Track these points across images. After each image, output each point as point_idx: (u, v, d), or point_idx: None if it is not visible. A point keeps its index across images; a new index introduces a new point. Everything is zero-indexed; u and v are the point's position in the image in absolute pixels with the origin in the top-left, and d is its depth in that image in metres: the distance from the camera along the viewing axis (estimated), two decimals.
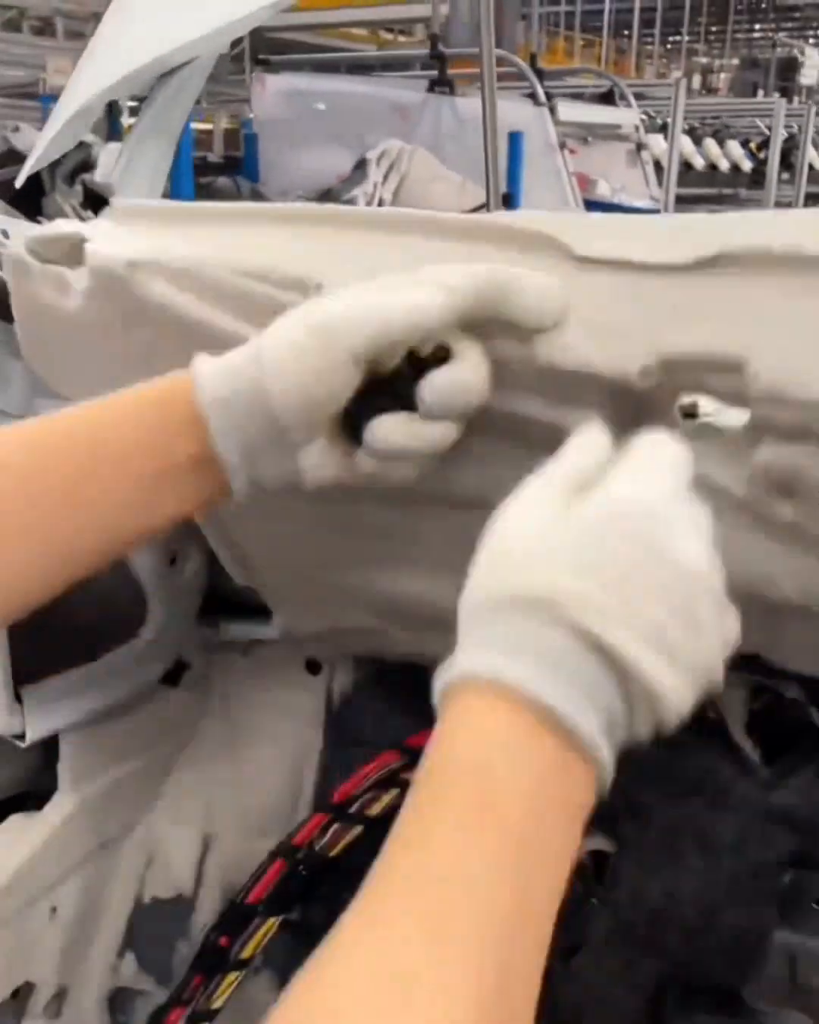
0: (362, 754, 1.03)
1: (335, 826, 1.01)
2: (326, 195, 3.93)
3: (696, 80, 18.31)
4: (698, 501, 0.53)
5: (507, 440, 0.72)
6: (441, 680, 0.49)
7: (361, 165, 3.86)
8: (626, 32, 18.89)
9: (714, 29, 21.21)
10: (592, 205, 4.58)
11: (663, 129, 5.32)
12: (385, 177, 3.83)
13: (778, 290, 0.63)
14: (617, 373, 0.65)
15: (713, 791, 0.94)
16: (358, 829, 1.01)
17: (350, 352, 0.59)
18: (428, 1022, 0.39)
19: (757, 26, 22.42)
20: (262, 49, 6.02)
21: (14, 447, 0.61)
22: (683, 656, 0.49)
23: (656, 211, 4.81)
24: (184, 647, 1.10)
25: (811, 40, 22.11)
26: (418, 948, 0.41)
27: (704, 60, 20.94)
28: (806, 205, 6.91)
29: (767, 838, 0.92)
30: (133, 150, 1.00)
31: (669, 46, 21.31)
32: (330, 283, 0.75)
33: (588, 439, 0.57)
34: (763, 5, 20.62)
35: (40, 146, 0.98)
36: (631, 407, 0.68)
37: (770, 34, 21.48)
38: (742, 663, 0.75)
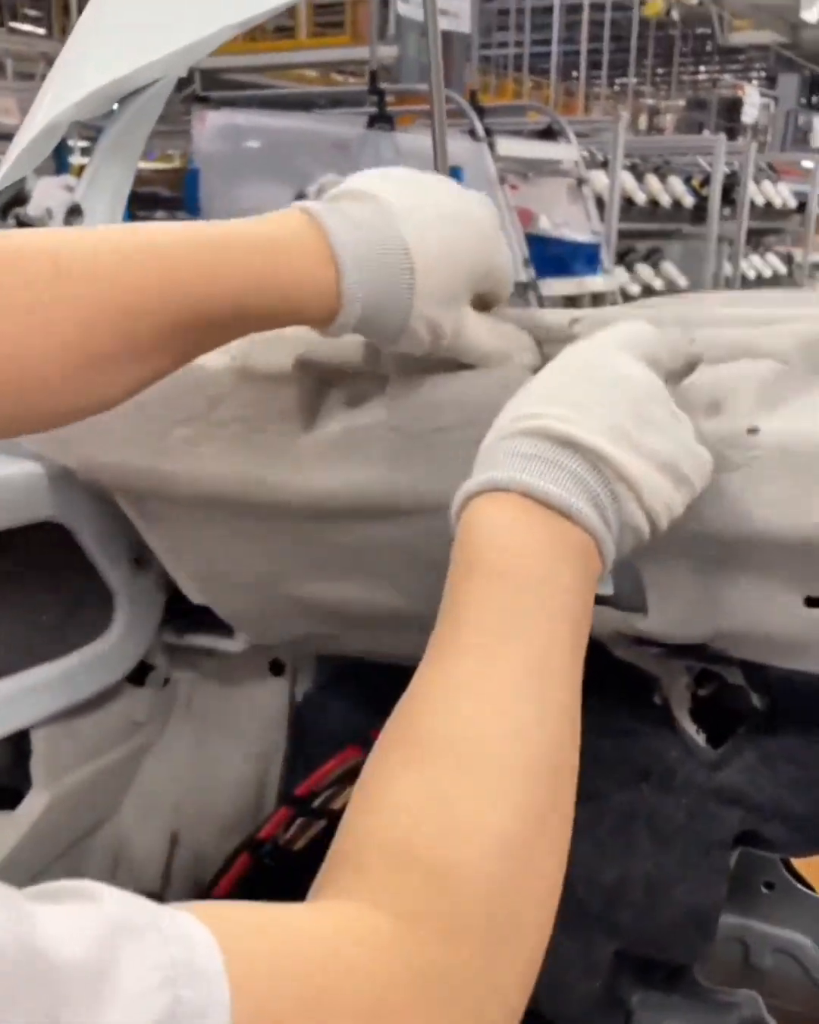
0: (326, 750, 1.06)
1: (299, 820, 1.02)
2: None
3: (643, 120, 18.61)
4: (644, 344, 0.67)
5: (452, 439, 0.77)
6: (456, 502, 0.61)
7: (300, 200, 3.83)
8: (575, 74, 19.16)
9: (660, 71, 21.59)
10: (533, 239, 4.59)
11: (605, 165, 5.35)
12: None
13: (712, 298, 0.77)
14: (555, 326, 0.76)
15: (662, 774, 0.96)
16: (322, 823, 1.02)
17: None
18: (518, 735, 0.51)
19: (702, 68, 22.83)
20: (213, 89, 6.02)
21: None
22: (644, 447, 0.61)
23: (597, 245, 4.83)
24: (149, 648, 1.11)
25: (755, 80, 22.57)
26: (483, 677, 0.53)
27: (651, 101, 21.29)
28: (748, 239, 6.99)
29: (714, 817, 0.94)
30: (95, 172, 1.01)
31: (617, 87, 21.66)
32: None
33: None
34: (707, 48, 21.03)
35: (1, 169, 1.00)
36: None
37: (715, 75, 21.91)
38: (687, 651, 0.85)
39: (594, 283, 4.81)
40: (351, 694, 1.13)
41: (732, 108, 15.58)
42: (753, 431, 0.70)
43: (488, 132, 4.54)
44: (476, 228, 0.74)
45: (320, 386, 0.85)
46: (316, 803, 1.03)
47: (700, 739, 0.96)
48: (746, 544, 0.74)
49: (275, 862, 1.03)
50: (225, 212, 4.63)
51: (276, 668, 1.16)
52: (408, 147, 4.41)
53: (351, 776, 1.02)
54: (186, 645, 1.12)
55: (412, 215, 0.70)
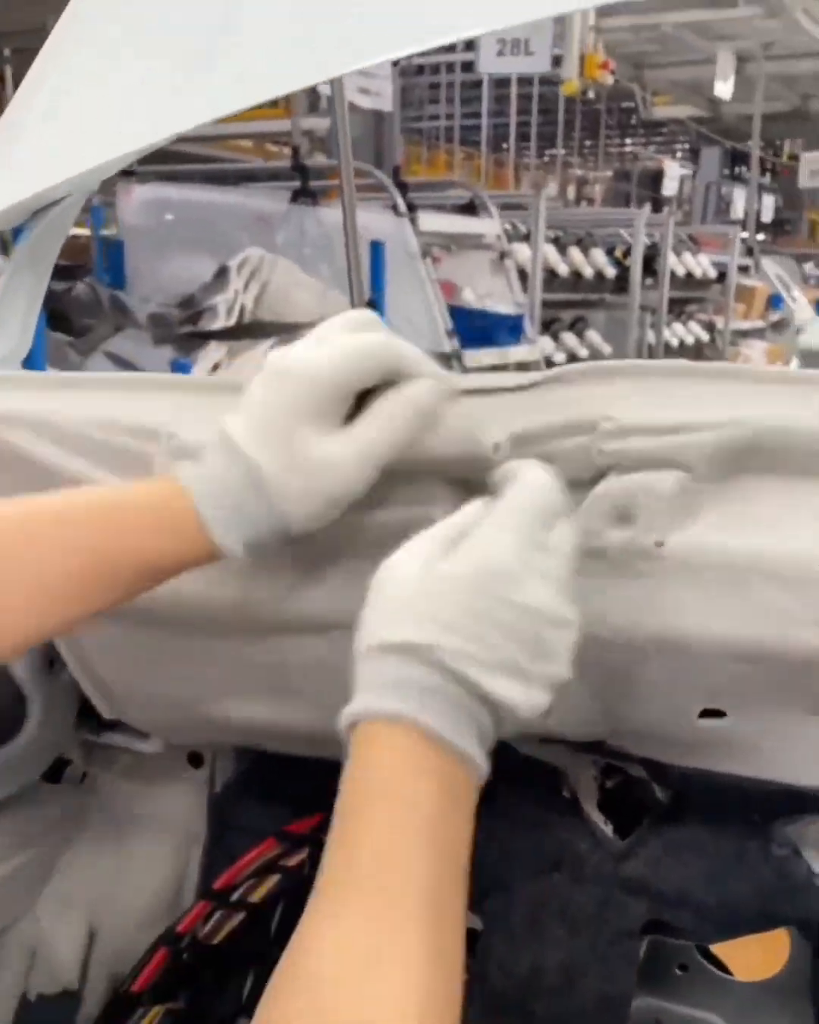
0: (244, 842, 1.07)
1: (218, 913, 1.03)
2: (188, 302, 3.92)
3: (571, 190, 19.07)
4: (553, 542, 0.66)
5: (364, 556, 0.78)
6: (345, 716, 0.61)
7: (222, 273, 3.88)
8: (504, 145, 19.62)
9: (588, 143, 22.20)
10: (457, 311, 4.65)
11: (528, 238, 5.46)
12: (246, 285, 3.84)
13: (623, 384, 0.78)
14: (472, 452, 0.75)
15: (571, 865, 0.99)
16: (241, 915, 1.03)
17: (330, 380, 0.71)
18: (401, 984, 0.52)
19: (628, 140, 23.53)
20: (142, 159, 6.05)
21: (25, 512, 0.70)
22: (535, 676, 0.62)
23: (520, 316, 4.91)
24: (65, 745, 1.12)
25: (678, 153, 23.28)
26: (376, 928, 0.53)
27: (579, 172, 21.85)
28: (671, 308, 7.15)
29: (623, 907, 0.97)
30: (9, 283, 1.02)
31: (546, 158, 22.21)
32: (184, 433, 0.83)
33: (470, 504, 0.68)
34: (632, 121, 21.69)
35: None
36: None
37: (639, 148, 22.60)
38: (589, 747, 0.87)
39: (517, 353, 4.87)
40: (271, 785, 1.13)
41: (656, 179, 16.06)
42: (659, 544, 0.73)
43: (411, 207, 4.62)
44: (300, 389, 0.71)
45: None
46: (235, 896, 1.03)
47: (608, 830, 0.98)
48: (646, 651, 0.76)
49: (193, 956, 1.03)
50: (150, 284, 4.65)
51: (195, 760, 1.16)
52: (331, 221, 4.47)
53: (270, 868, 1.04)
54: (102, 743, 1.12)
55: (267, 434, 0.71)
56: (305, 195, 4.42)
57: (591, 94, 9.20)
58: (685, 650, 0.74)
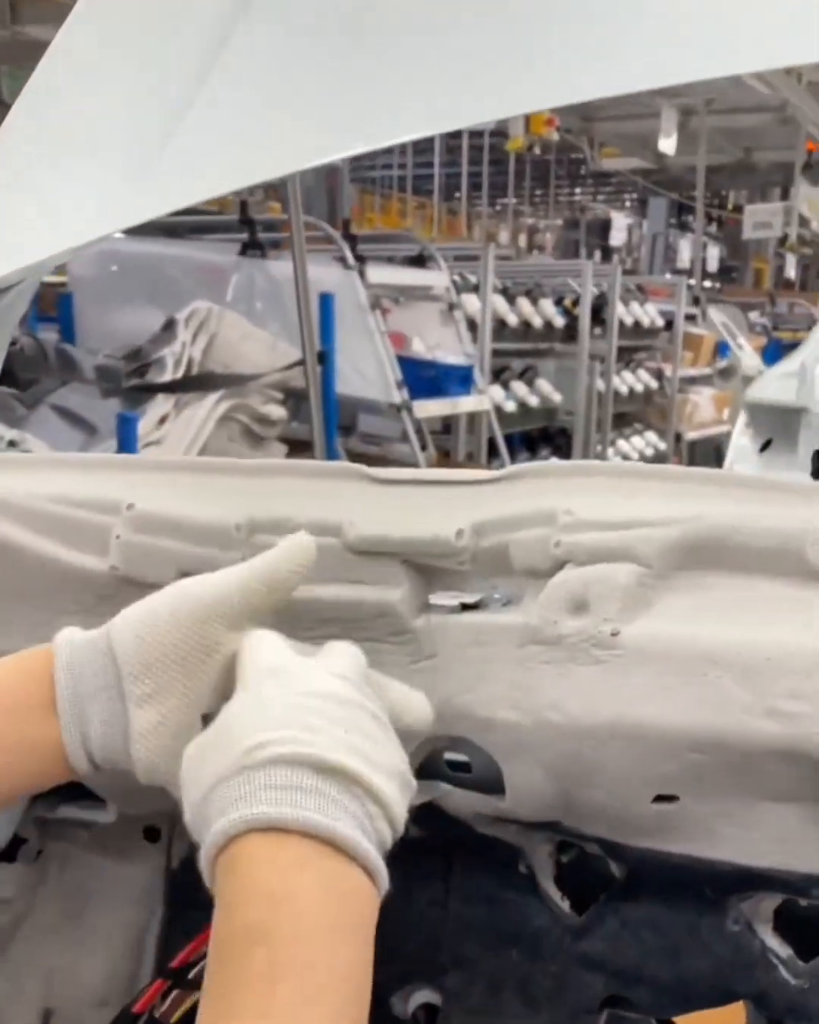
0: (202, 918, 1.04)
1: (175, 992, 1.01)
2: (135, 354, 3.90)
3: (523, 239, 19.34)
4: (317, 658, 0.67)
5: (323, 633, 0.80)
6: (207, 851, 0.57)
7: (170, 325, 3.87)
8: (457, 195, 19.89)
9: (539, 192, 22.55)
10: (407, 362, 4.67)
11: (477, 289, 5.52)
12: (194, 337, 3.83)
13: (580, 482, 0.82)
14: (436, 537, 0.79)
15: (530, 941, 0.99)
16: (197, 995, 0.97)
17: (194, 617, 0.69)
18: None
19: (578, 190, 23.94)
20: None
21: None
22: (380, 762, 0.60)
23: (469, 367, 4.94)
24: (20, 823, 1.10)
25: (627, 203, 23.71)
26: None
27: (531, 221, 22.17)
28: (619, 356, 7.24)
29: (581, 983, 0.97)
30: None
31: (498, 208, 22.53)
32: (142, 503, 0.86)
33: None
34: (582, 172, 22.08)
35: None
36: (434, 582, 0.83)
37: (590, 198, 22.99)
38: (544, 826, 0.89)
39: (467, 403, 4.90)
40: None
41: (605, 229, 16.33)
42: (615, 633, 0.75)
43: (360, 259, 4.65)
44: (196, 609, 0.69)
45: None
46: (192, 974, 1.01)
47: (565, 906, 0.98)
48: (601, 738, 0.77)
49: None
50: (99, 336, 4.63)
51: (151, 835, 1.14)
52: (280, 274, 4.49)
53: None
54: (57, 817, 1.10)
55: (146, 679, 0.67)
56: (253, 248, 4.44)
57: (537, 149, 9.34)
58: (640, 738, 0.76)
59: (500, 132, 15.88)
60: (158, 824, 1.14)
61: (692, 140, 13.25)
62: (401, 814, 0.61)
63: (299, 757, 0.57)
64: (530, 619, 0.79)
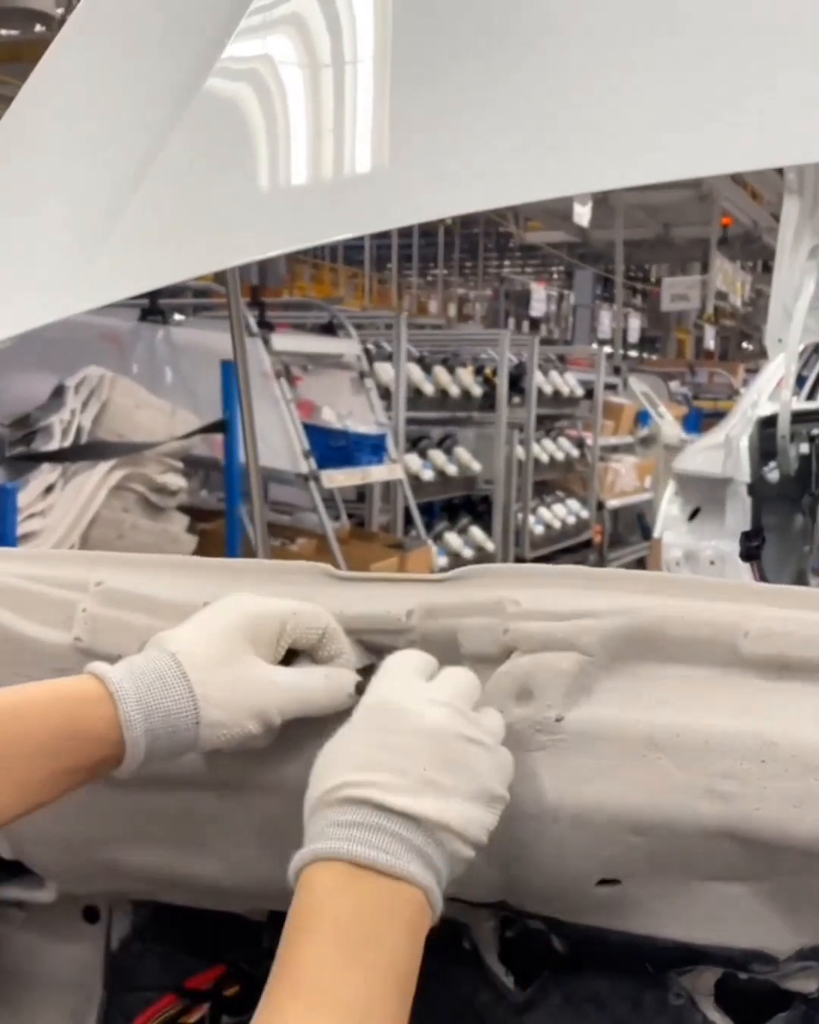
0: (143, 1000, 1.05)
1: None
2: (22, 421, 3.66)
3: (452, 308, 19.49)
4: (437, 680, 0.75)
5: None
6: (291, 870, 0.67)
7: (59, 392, 3.65)
8: (388, 266, 20.03)
9: (468, 264, 22.83)
10: (317, 431, 4.49)
11: (391, 357, 5.38)
12: (84, 404, 3.61)
13: (525, 580, 0.88)
14: (386, 614, 0.84)
15: (474, 1018, 1.00)
16: None
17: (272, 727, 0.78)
18: None
19: (506, 262, 24.29)
20: None
21: None
22: (458, 789, 0.69)
23: (382, 435, 4.77)
24: None
25: (555, 276, 24.09)
26: None
27: (461, 291, 22.40)
28: (540, 424, 7.14)
29: None
30: None
31: (430, 278, 22.75)
32: (109, 580, 0.90)
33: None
34: (509, 245, 22.41)
35: None
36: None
37: (517, 270, 23.30)
38: (486, 904, 0.91)
39: (378, 472, 4.72)
40: (169, 940, 1.12)
41: (530, 299, 16.47)
42: (559, 719, 0.78)
43: (268, 326, 4.48)
44: (252, 614, 0.79)
45: None
46: None
47: (509, 981, 0.99)
48: (543, 821, 0.79)
49: None
50: None
51: (90, 915, 1.13)
52: (181, 340, 4.30)
53: None
54: None
55: (190, 644, 0.77)
56: (154, 314, 4.25)
57: (449, 221, 9.32)
58: (583, 821, 0.79)
59: None
60: (97, 905, 1.13)
61: (612, 215, 13.44)
62: (477, 829, 0.69)
63: (367, 799, 0.66)
64: None
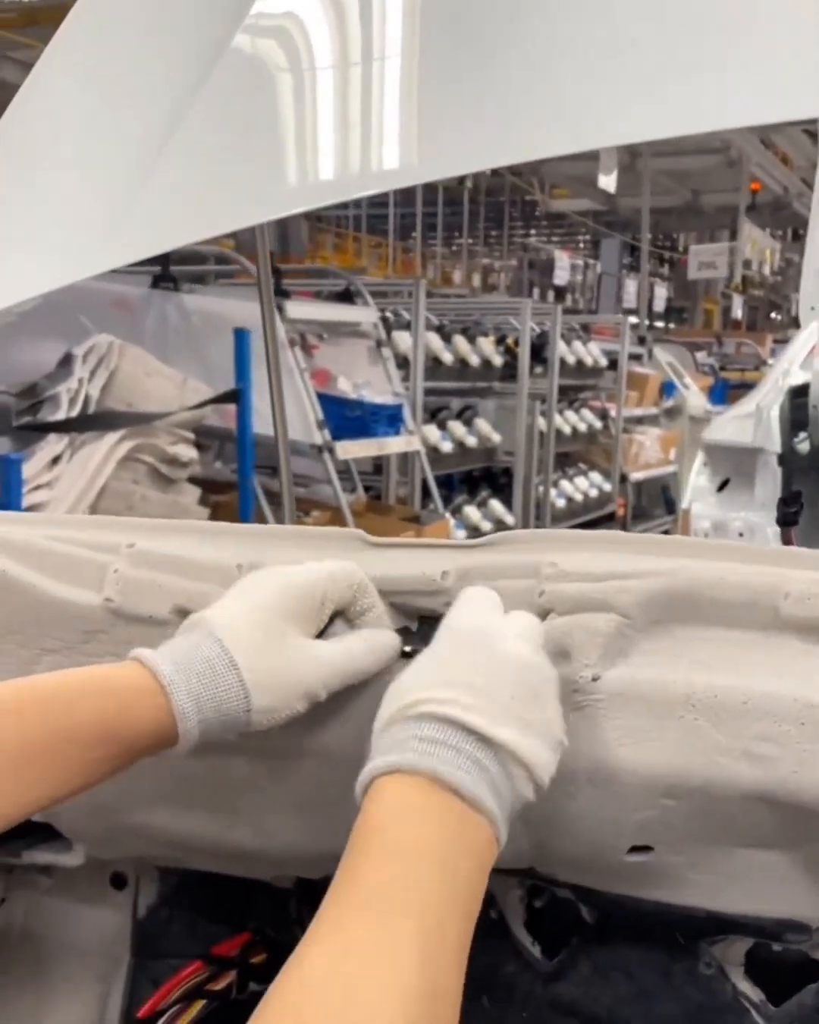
0: (170, 966, 1.05)
1: None
2: (29, 391, 3.58)
3: (477, 279, 19.28)
4: (512, 615, 0.76)
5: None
6: (360, 782, 0.64)
7: (67, 361, 3.57)
8: (413, 235, 19.81)
9: (494, 233, 22.57)
10: (331, 401, 4.39)
11: (410, 326, 5.26)
12: (92, 373, 3.52)
13: (562, 544, 0.86)
14: (422, 576, 0.83)
15: (501, 987, 0.99)
16: None
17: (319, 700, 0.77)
18: (389, 994, 0.53)
19: (532, 231, 23.99)
20: None
21: None
22: (534, 725, 0.67)
23: (398, 406, 4.67)
24: None
25: (581, 245, 23.80)
26: (373, 941, 0.55)
27: (486, 261, 22.15)
28: (563, 396, 7.02)
29: None
30: None
31: (455, 248, 22.51)
32: (142, 543, 0.89)
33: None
34: (535, 214, 22.13)
35: None
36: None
37: (547, 239, 23.00)
38: (515, 871, 0.89)
39: (395, 443, 4.62)
40: (196, 907, 1.12)
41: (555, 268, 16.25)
42: (595, 679, 0.77)
43: (284, 293, 4.38)
44: (293, 586, 0.78)
45: None
46: (160, 1023, 1.00)
47: (536, 951, 0.97)
48: (578, 783, 0.78)
49: None
50: (1, 371, 4.32)
51: (117, 882, 1.13)
52: (194, 307, 4.21)
53: (196, 992, 1.02)
54: (24, 863, 1.09)
55: (235, 628, 0.75)
56: (166, 280, 4.15)
57: (469, 184, 9.10)
58: (616, 782, 0.78)
59: None
60: (125, 871, 1.13)
61: (639, 182, 13.19)
62: (546, 772, 0.67)
63: (448, 717, 0.64)
64: None
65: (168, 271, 4.16)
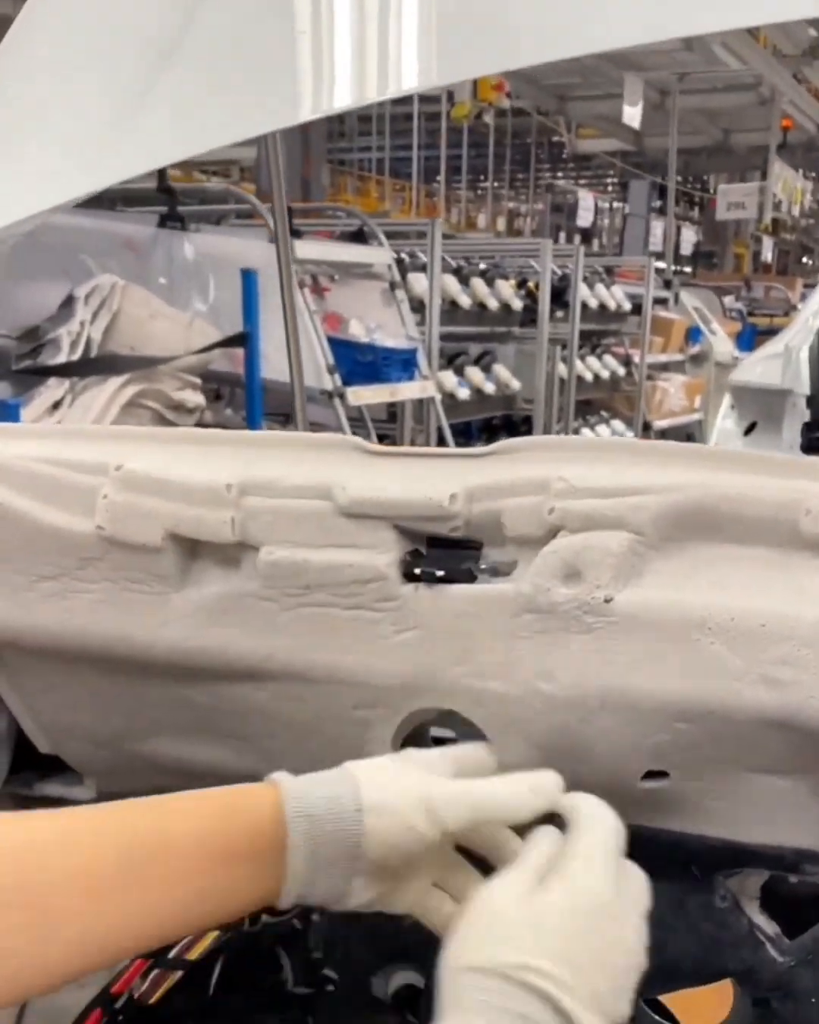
0: None
1: (155, 972, 1.00)
2: (31, 334, 3.50)
3: (501, 223, 18.95)
4: (632, 875, 0.70)
5: (305, 602, 0.84)
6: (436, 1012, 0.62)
7: (68, 302, 3.47)
8: (437, 178, 19.47)
9: (520, 176, 22.16)
10: (343, 345, 4.28)
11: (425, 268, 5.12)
12: (94, 315, 3.43)
13: (571, 454, 0.83)
14: (428, 500, 0.80)
15: None
16: (178, 973, 1.01)
17: (443, 829, 0.69)
18: None
19: (559, 173, 23.53)
20: None
21: (65, 833, 0.65)
22: (612, 1011, 0.64)
23: (413, 351, 4.55)
24: None
25: (609, 187, 23.32)
26: None
27: (511, 204, 21.76)
28: (585, 341, 6.86)
29: None
30: None
31: (480, 191, 22.12)
32: (129, 462, 0.87)
33: (543, 833, 0.70)
34: (563, 155, 21.67)
35: None
36: (428, 549, 0.83)
37: (575, 182, 22.52)
38: None
39: (409, 389, 4.51)
40: None
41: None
42: (608, 600, 0.76)
43: (297, 233, 4.25)
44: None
45: (191, 553, 0.89)
46: (172, 953, 1.01)
47: None
48: (591, 708, 0.77)
49: (128, 1017, 1.01)
50: (3, 312, 4.23)
51: None
52: (202, 247, 4.09)
53: None
54: (35, 795, 1.09)
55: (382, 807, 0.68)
56: (173, 220, 4.03)
57: (487, 118, 8.83)
58: (630, 708, 0.77)
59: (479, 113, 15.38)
60: None
61: (668, 120, 12.82)
62: None
63: (547, 995, 0.60)
64: (523, 588, 0.79)
65: (175, 210, 4.04)
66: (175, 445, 0.94)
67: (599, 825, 0.69)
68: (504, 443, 0.85)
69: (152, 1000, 1.00)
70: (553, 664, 0.78)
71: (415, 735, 0.88)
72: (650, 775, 0.81)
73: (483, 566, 0.83)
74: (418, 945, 0.99)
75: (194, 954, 1.01)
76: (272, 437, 0.95)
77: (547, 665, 0.78)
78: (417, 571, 0.82)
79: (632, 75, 10.05)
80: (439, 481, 0.82)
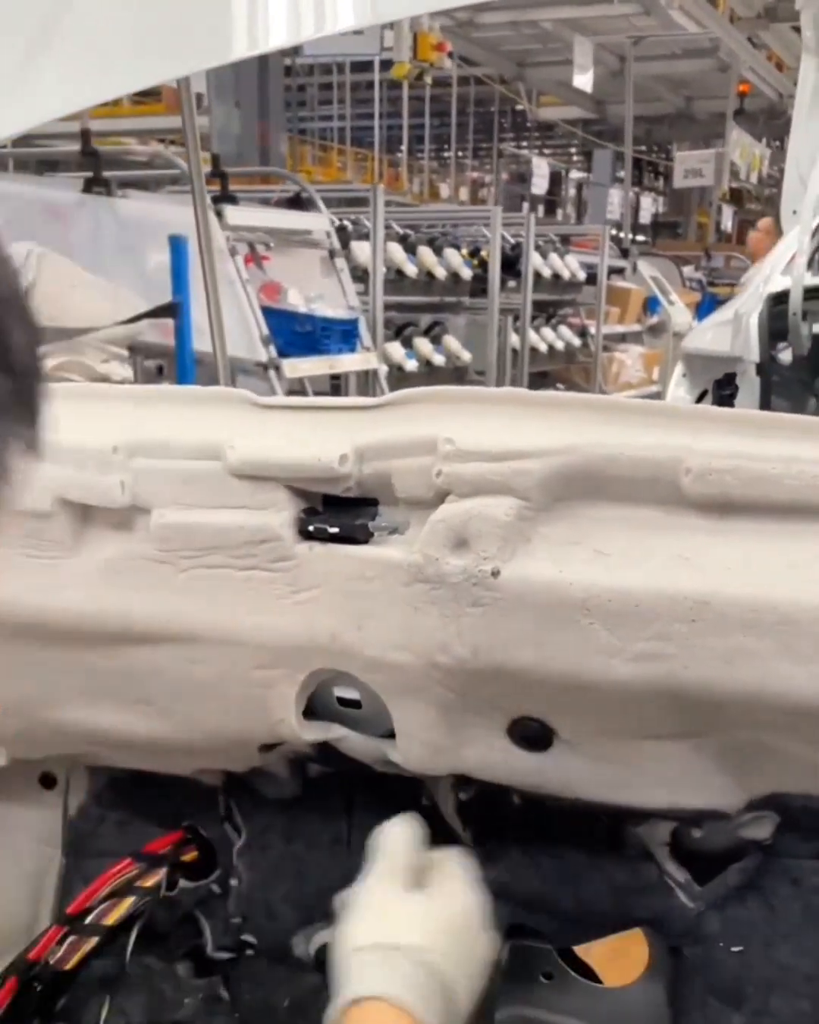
0: (101, 865, 1.05)
1: (71, 939, 1.00)
2: None
3: (464, 192, 18.74)
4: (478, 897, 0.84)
5: (202, 562, 0.84)
6: (336, 1008, 0.73)
7: None
8: (400, 148, 19.21)
9: (484, 145, 21.94)
10: (279, 315, 4.14)
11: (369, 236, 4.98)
12: None
13: (462, 408, 0.84)
14: (318, 461, 0.81)
15: None
16: (95, 939, 1.01)
17: None
18: None
19: (523, 143, 23.30)
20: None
21: None
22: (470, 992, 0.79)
23: (354, 322, 4.41)
24: None
25: (574, 157, 23.13)
26: None
27: (475, 174, 21.54)
28: (535, 313, 6.74)
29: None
30: None
31: (443, 161, 21.88)
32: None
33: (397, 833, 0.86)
34: (526, 124, 21.45)
35: None
36: (323, 511, 0.84)
37: (539, 151, 22.29)
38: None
39: (349, 361, 4.38)
40: (127, 806, 1.13)
41: (555, 182, 15.72)
42: (496, 573, 0.77)
43: (231, 199, 4.10)
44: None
45: (83, 517, 0.89)
46: (89, 919, 1.01)
47: (467, 837, 0.98)
48: (485, 676, 0.80)
49: (44, 983, 1.01)
50: None
51: (47, 781, 1.14)
52: (127, 213, 3.94)
53: (126, 889, 1.02)
54: None
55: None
56: (98, 185, 3.87)
57: (427, 78, 8.64)
58: (516, 679, 0.79)
59: (442, 81, 15.15)
60: (54, 771, 1.12)
61: (633, 89, 12.64)
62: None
63: (422, 959, 0.75)
64: (414, 557, 0.79)
65: (99, 175, 3.88)
66: (69, 401, 0.91)
67: (458, 865, 0.85)
68: (397, 394, 0.86)
69: (68, 965, 1.00)
70: (447, 638, 0.79)
71: (320, 694, 0.89)
72: (536, 745, 0.83)
73: (379, 525, 0.84)
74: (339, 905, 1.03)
75: (111, 919, 1.02)
76: (162, 391, 0.95)
77: (443, 638, 0.79)
78: (311, 529, 0.82)
79: (582, 38, 9.86)
80: (330, 438, 0.82)
